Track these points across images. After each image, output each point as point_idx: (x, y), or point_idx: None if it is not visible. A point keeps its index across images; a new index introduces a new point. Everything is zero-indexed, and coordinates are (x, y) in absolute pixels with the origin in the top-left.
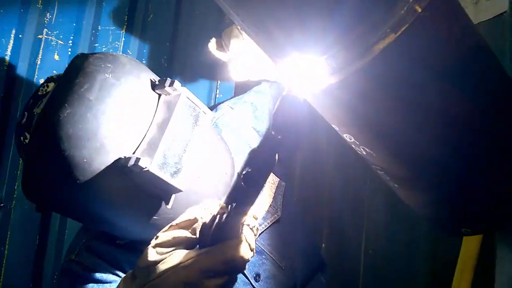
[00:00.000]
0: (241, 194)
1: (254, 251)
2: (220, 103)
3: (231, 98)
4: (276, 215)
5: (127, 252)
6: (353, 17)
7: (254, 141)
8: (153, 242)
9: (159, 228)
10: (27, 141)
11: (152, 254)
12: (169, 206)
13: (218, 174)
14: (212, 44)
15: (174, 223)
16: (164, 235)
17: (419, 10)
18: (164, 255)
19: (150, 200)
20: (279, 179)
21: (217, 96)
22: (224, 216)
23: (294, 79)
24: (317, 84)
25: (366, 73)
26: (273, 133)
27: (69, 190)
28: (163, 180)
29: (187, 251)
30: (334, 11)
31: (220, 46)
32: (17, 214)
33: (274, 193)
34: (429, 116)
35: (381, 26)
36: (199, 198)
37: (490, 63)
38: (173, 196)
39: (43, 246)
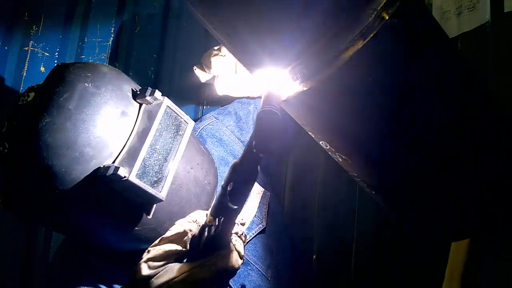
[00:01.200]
0: (227, 208)
1: (244, 257)
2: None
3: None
4: (261, 225)
5: (110, 264)
6: (321, 25)
7: (239, 151)
8: (145, 256)
9: (141, 239)
10: (6, 150)
11: (145, 269)
12: (149, 216)
13: (201, 184)
14: (197, 71)
15: (164, 236)
16: (155, 250)
17: (387, 17)
18: (157, 270)
19: (131, 210)
20: (264, 189)
21: (205, 107)
22: (213, 229)
23: (268, 87)
24: (289, 91)
25: (334, 81)
26: (255, 151)
27: (49, 200)
28: (143, 190)
29: (180, 264)
30: (302, 18)
31: (202, 69)
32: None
33: (259, 203)
34: (399, 122)
35: (349, 33)
36: (181, 208)
37: (457, 66)
38: (154, 206)
39: (30, 257)
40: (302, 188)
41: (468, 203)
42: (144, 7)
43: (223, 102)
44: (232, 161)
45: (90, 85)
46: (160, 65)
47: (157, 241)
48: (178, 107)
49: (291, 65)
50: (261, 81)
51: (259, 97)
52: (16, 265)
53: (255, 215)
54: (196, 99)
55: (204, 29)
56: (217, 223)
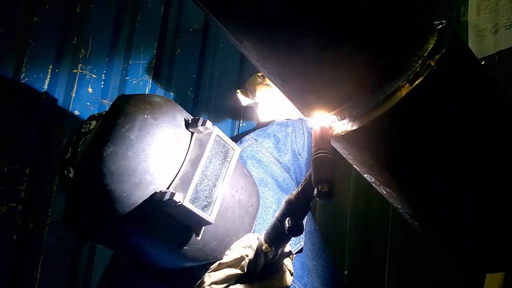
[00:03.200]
0: (284, 238)
1: (293, 273)
2: (244, 135)
3: (254, 129)
4: (299, 245)
5: (157, 281)
6: (370, 69)
7: (278, 173)
8: (208, 280)
9: (188, 257)
10: (71, 175)
11: None
12: (199, 238)
13: (244, 206)
14: (239, 95)
15: (223, 261)
16: (217, 274)
17: (433, 64)
18: None
19: (182, 231)
20: None
21: (241, 125)
22: (270, 255)
23: (318, 127)
24: (338, 129)
25: (382, 122)
26: (317, 198)
27: (109, 221)
28: (195, 214)
29: (240, 285)
30: (353, 63)
31: (246, 95)
32: (50, 239)
33: None
34: (447, 163)
35: (397, 78)
36: (226, 229)
37: (504, 107)
38: (203, 228)
39: (74, 271)
40: (334, 203)
41: None
42: (184, 30)
43: (258, 119)
44: (271, 182)
45: (149, 116)
46: (199, 85)
47: (216, 265)
48: (216, 123)
49: (339, 108)
50: (312, 120)
51: (298, 119)
52: (61, 278)
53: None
54: (233, 116)
55: (239, 52)
56: (274, 251)
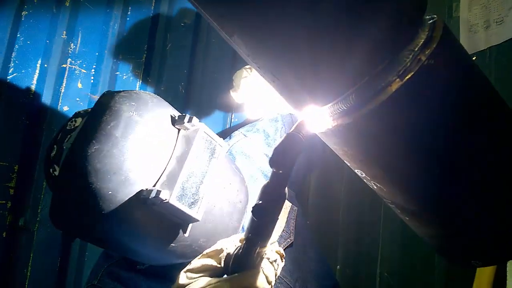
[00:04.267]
0: (254, 226)
1: (272, 284)
2: (234, 130)
3: (243, 124)
4: (289, 240)
5: (147, 278)
6: (361, 65)
7: (267, 168)
8: (186, 267)
9: (176, 254)
10: (56, 173)
11: (183, 278)
12: (186, 235)
13: (232, 202)
14: (232, 94)
15: (204, 252)
16: (195, 262)
17: (423, 59)
18: (191, 280)
19: (169, 228)
20: (291, 204)
21: (233, 120)
22: (245, 248)
23: (304, 117)
24: (328, 124)
25: (373, 117)
26: (271, 167)
27: (95, 220)
28: (182, 211)
29: (208, 278)
30: (344, 59)
31: (232, 88)
32: (40, 237)
33: (287, 218)
34: (435, 157)
35: (387, 74)
36: (214, 225)
37: (495, 104)
38: (190, 225)
39: (64, 268)
40: (326, 198)
41: (507, 227)
42: (175, 25)
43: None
44: (261, 177)
45: (134, 113)
46: (191, 80)
47: (199, 256)
48: (208, 118)
49: (330, 103)
50: (299, 113)
51: (288, 114)
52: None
53: (283, 230)
54: (225, 111)
55: (232, 46)
56: (248, 243)
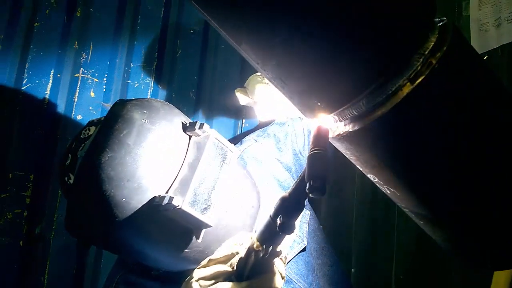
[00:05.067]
0: (276, 237)
1: (285, 278)
2: (245, 136)
3: (254, 130)
4: (302, 244)
5: (162, 283)
6: (371, 69)
7: (279, 172)
8: (196, 275)
9: (190, 260)
10: (71, 181)
11: (196, 287)
12: (199, 241)
13: (245, 208)
14: (238, 94)
15: (213, 257)
16: (206, 270)
17: (434, 62)
18: None
19: (182, 234)
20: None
21: (244, 125)
22: (261, 254)
23: (317, 126)
24: (340, 130)
25: (384, 122)
26: (310, 194)
27: (109, 227)
28: (194, 217)
29: (229, 283)
30: (354, 63)
31: (244, 94)
32: (56, 245)
33: (300, 222)
34: (448, 160)
35: (397, 78)
36: (227, 231)
37: (508, 105)
38: (203, 230)
39: (80, 275)
40: (339, 201)
41: None
42: (184, 32)
43: (260, 122)
44: (272, 182)
45: (146, 121)
46: (201, 86)
47: (205, 261)
48: (218, 124)
49: (341, 108)
50: (312, 121)
51: (298, 118)
52: (68, 283)
53: (296, 234)
54: (235, 116)
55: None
56: (265, 250)
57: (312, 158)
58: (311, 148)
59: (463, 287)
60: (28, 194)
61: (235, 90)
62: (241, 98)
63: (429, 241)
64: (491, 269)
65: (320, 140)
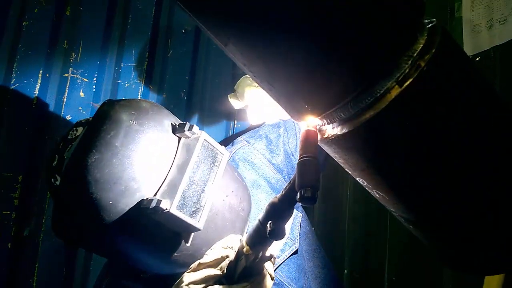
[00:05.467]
0: (265, 242)
1: (274, 278)
2: (236, 137)
3: (246, 131)
4: (294, 247)
5: (150, 287)
6: (359, 71)
7: (270, 174)
8: (186, 280)
9: (179, 263)
10: (57, 183)
11: None
12: (188, 244)
13: (235, 211)
14: (231, 100)
15: (202, 261)
16: (196, 274)
17: (423, 64)
18: None
19: (171, 238)
20: (295, 210)
21: (235, 126)
22: (251, 258)
23: (305, 129)
24: (328, 133)
25: (372, 125)
26: (300, 204)
27: (96, 230)
28: (183, 220)
29: (219, 286)
30: (341, 65)
31: (235, 97)
32: (45, 247)
33: (291, 224)
34: (437, 164)
35: (386, 79)
36: (217, 234)
37: (497, 108)
38: (192, 234)
39: (70, 278)
40: (332, 203)
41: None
42: (176, 31)
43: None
44: (264, 184)
45: (134, 122)
46: (192, 86)
47: (195, 265)
48: (210, 125)
49: (328, 111)
50: (300, 124)
51: (290, 120)
52: (57, 286)
53: (288, 237)
54: (227, 117)
55: None
56: (254, 254)
57: (301, 166)
58: (300, 155)
59: (456, 286)
60: (16, 196)
61: (228, 96)
62: (235, 103)
63: (421, 243)
64: (479, 274)
65: (309, 145)
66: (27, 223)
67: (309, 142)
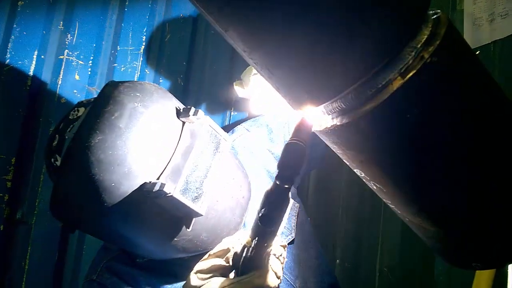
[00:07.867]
0: (264, 232)
1: (281, 278)
2: (236, 125)
3: (246, 119)
4: (290, 236)
5: (146, 272)
6: (361, 62)
7: (270, 164)
8: (196, 268)
9: (178, 248)
10: (58, 163)
11: (194, 279)
12: (189, 229)
13: (235, 198)
14: (236, 87)
15: (211, 252)
16: (203, 263)
17: (426, 56)
18: (204, 281)
19: (172, 222)
20: (293, 200)
21: (232, 113)
22: (250, 249)
23: (301, 117)
24: (327, 123)
25: (373, 116)
26: (277, 182)
27: (97, 212)
28: (185, 205)
29: (223, 278)
30: (343, 55)
31: (241, 85)
32: (38, 230)
33: (289, 215)
34: (436, 157)
35: (389, 71)
36: (217, 221)
37: (499, 101)
38: (193, 219)
39: (62, 261)
40: (326, 193)
41: (507, 229)
42: (174, 16)
43: (250, 109)
44: (263, 173)
45: (139, 104)
46: (190, 72)
47: (206, 256)
48: (206, 112)
49: (329, 101)
50: (299, 113)
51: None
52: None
53: (285, 227)
54: (224, 104)
55: None
56: (256, 245)
57: (288, 147)
58: (291, 138)
59: (447, 278)
60: (9, 178)
61: (234, 83)
62: (239, 90)
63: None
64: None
65: (301, 132)
66: (20, 205)
67: (302, 129)
